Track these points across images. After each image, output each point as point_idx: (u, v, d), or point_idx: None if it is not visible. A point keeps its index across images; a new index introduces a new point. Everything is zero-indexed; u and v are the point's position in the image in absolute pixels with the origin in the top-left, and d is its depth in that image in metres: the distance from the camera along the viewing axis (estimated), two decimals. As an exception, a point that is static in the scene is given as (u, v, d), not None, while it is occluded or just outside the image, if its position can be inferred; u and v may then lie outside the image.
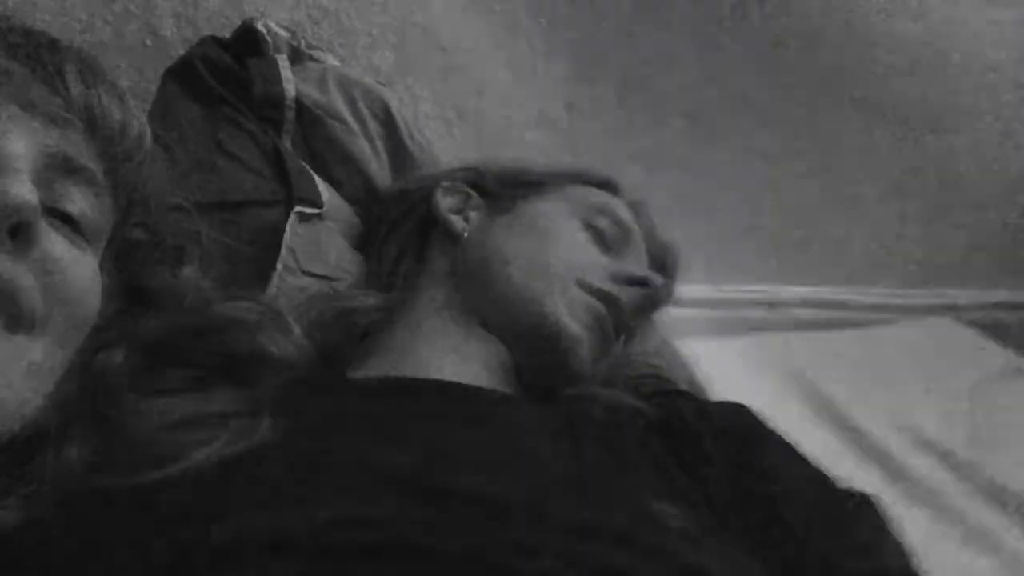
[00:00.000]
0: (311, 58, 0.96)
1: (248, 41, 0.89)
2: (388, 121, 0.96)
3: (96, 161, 0.51)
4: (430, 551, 0.47)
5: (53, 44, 0.51)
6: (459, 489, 0.52)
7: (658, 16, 1.22)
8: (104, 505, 0.49)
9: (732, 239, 1.38)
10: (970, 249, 1.53)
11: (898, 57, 1.35)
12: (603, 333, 0.77)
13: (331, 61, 1.00)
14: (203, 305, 0.59)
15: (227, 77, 0.86)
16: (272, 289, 0.74)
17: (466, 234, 0.81)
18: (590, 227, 0.81)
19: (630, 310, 0.80)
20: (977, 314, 1.43)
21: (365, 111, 0.94)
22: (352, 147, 0.91)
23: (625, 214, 0.85)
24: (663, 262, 0.89)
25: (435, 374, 0.70)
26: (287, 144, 0.87)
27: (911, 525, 0.73)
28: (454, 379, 0.70)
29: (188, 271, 0.60)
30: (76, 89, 0.51)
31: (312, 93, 0.90)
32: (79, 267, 0.49)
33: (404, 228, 0.84)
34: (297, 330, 0.63)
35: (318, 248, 0.80)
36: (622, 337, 0.82)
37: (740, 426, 0.73)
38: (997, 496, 0.98)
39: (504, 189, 0.85)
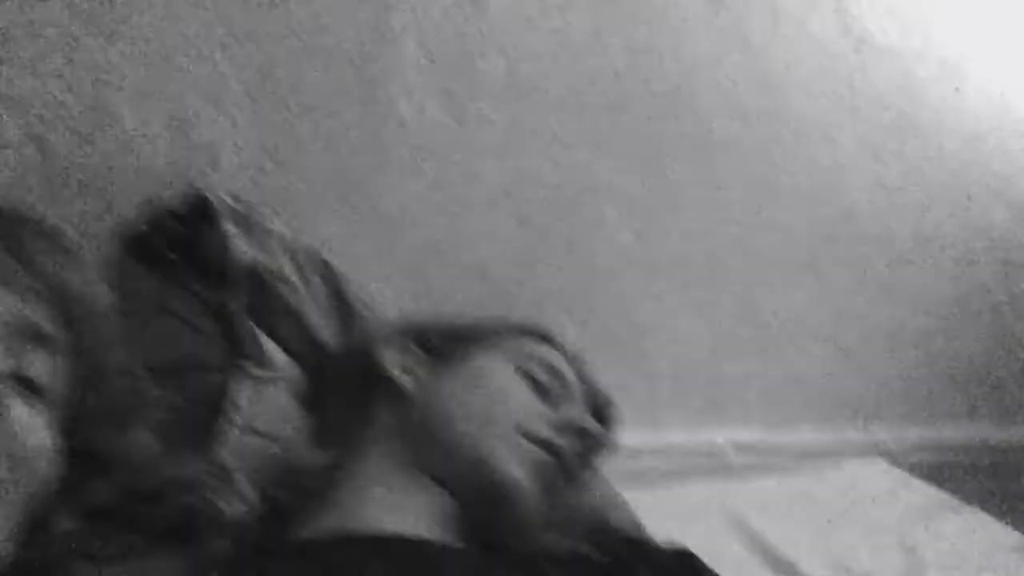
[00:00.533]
0: (258, 223, 1.00)
1: (199, 209, 0.93)
2: (332, 282, 0.99)
3: (59, 329, 0.53)
4: None
5: (19, 217, 0.54)
6: None
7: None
8: None
9: (667, 385, 1.42)
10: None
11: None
12: (548, 483, 0.79)
13: (277, 225, 1.03)
14: (153, 467, 0.60)
15: (178, 245, 0.89)
16: (221, 449, 0.74)
17: (410, 392, 0.83)
18: (529, 378, 0.84)
19: (573, 459, 0.82)
20: (904, 454, 1.48)
21: (310, 272, 0.98)
22: (298, 307, 0.94)
23: (561, 363, 0.88)
24: (601, 411, 0.92)
25: (382, 529, 0.71)
26: (236, 306, 0.89)
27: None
28: (401, 533, 0.70)
29: (138, 434, 0.61)
30: (40, 260, 0.53)
31: (260, 257, 0.93)
32: (38, 433, 0.50)
33: (351, 386, 0.85)
34: (246, 489, 0.63)
35: (266, 408, 0.81)
36: (567, 487, 0.83)
37: (686, 571, 0.74)
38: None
39: (446, 343, 0.87)
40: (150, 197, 0.96)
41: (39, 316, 0.52)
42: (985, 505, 1.26)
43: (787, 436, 1.48)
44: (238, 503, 0.62)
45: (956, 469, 1.48)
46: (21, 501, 0.49)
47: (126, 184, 0.98)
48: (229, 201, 0.96)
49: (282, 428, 0.82)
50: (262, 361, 0.83)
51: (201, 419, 0.75)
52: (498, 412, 0.79)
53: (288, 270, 0.95)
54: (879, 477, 1.36)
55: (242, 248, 0.91)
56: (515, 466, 0.76)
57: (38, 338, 0.52)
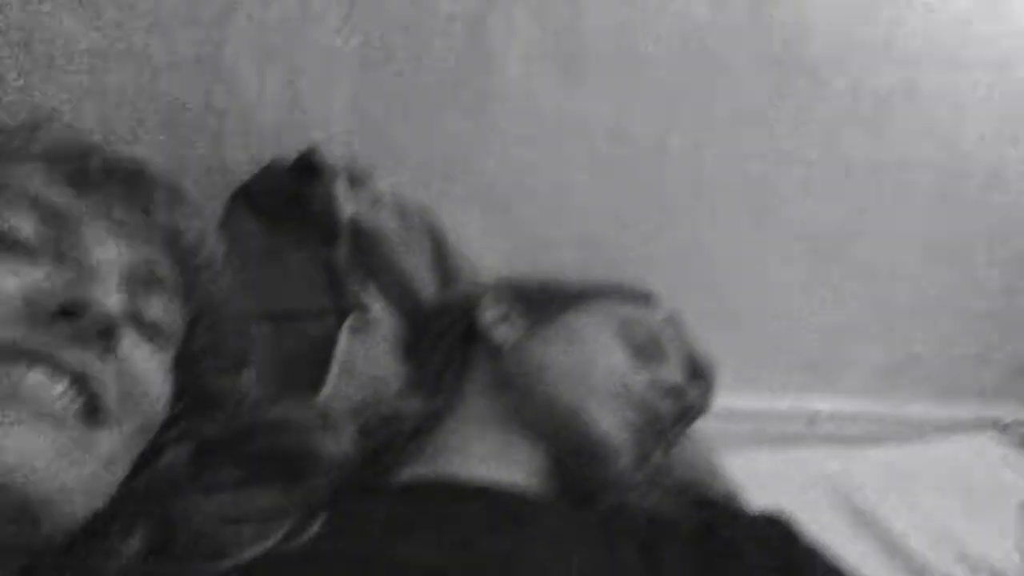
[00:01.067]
0: (365, 180, 1.02)
1: (308, 165, 0.96)
2: (436, 239, 1.01)
3: (174, 273, 0.57)
4: None
5: (142, 169, 0.58)
6: None
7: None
8: None
9: (767, 352, 1.39)
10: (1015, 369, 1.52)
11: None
12: (642, 443, 0.79)
13: (382, 183, 1.06)
14: (260, 408, 0.63)
15: (287, 198, 0.92)
16: (324, 395, 0.78)
17: (508, 346, 0.84)
18: (627, 339, 0.84)
19: (668, 421, 0.82)
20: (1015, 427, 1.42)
21: (414, 229, 1.00)
22: (401, 262, 0.96)
23: (660, 326, 0.87)
24: (700, 373, 0.91)
25: (476, 478, 0.73)
26: (341, 258, 0.92)
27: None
28: (495, 483, 0.72)
29: (247, 376, 0.64)
30: (161, 209, 0.56)
31: (365, 213, 0.96)
32: (154, 371, 0.53)
33: (449, 339, 0.87)
34: (347, 433, 0.66)
35: (368, 356, 0.84)
36: (660, 447, 0.83)
37: (780, 537, 0.73)
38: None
39: (544, 302, 0.88)
40: (262, 152, 1.00)
41: (158, 263, 0.56)
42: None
43: (894, 408, 1.43)
44: (339, 446, 0.64)
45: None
46: (137, 435, 0.52)
47: (240, 140, 1.02)
48: (338, 158, 0.98)
49: (382, 376, 0.84)
50: (365, 312, 0.86)
51: (306, 364, 0.78)
52: (596, 372, 0.80)
53: (392, 226, 0.98)
54: (987, 452, 1.30)
55: (348, 203, 0.94)
56: (611, 425, 0.77)
57: (156, 283, 0.55)
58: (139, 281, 0.54)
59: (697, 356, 0.92)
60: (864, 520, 1.08)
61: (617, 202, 1.27)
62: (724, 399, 0.96)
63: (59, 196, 0.52)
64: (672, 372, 0.85)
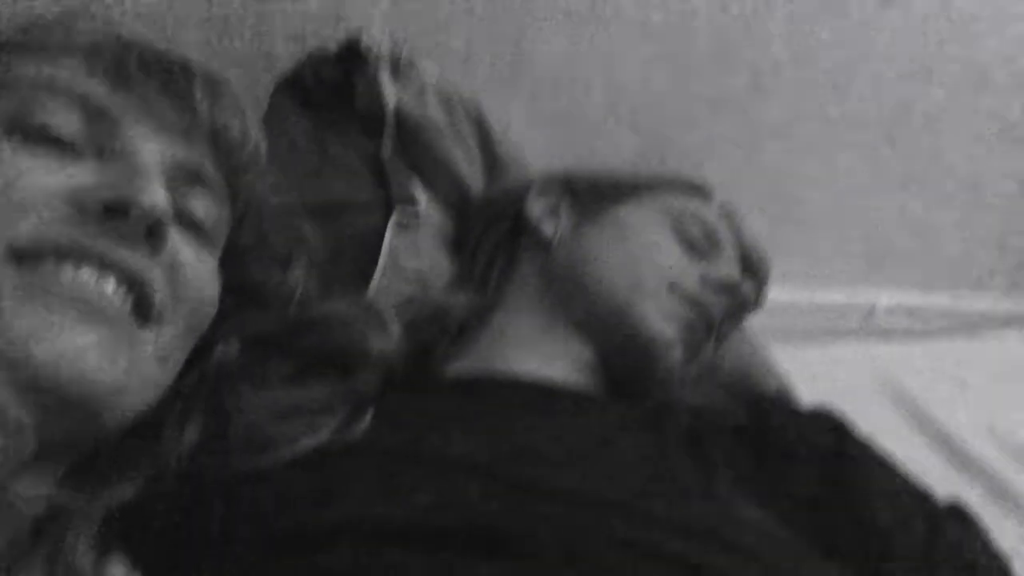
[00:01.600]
0: (411, 69, 1.00)
1: (352, 54, 0.93)
2: (482, 129, 0.99)
3: (218, 170, 0.56)
4: (519, 540, 0.49)
5: (184, 63, 0.56)
6: (541, 482, 0.54)
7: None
8: (216, 488, 0.53)
9: (824, 244, 1.36)
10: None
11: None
12: (693, 339, 0.78)
13: (430, 71, 1.03)
14: (308, 303, 0.63)
15: (332, 89, 0.91)
16: (372, 289, 0.78)
17: (557, 239, 0.83)
18: (680, 233, 0.82)
19: (720, 316, 0.80)
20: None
21: (461, 119, 0.98)
22: (447, 154, 0.94)
23: (715, 219, 0.85)
24: (754, 268, 0.89)
25: (524, 373, 0.73)
26: (387, 151, 0.91)
27: (1008, 538, 0.71)
28: (542, 378, 0.72)
29: (296, 272, 0.64)
30: (203, 105, 0.55)
31: (411, 103, 0.94)
32: (202, 268, 0.54)
33: (496, 232, 0.86)
34: (395, 328, 0.66)
35: (416, 250, 0.84)
36: (712, 342, 0.82)
37: (830, 433, 0.72)
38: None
39: (594, 195, 0.86)
40: (305, 43, 0.97)
41: (201, 159, 0.55)
42: None
43: (950, 301, 1.39)
44: (386, 341, 0.64)
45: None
46: (187, 332, 0.53)
47: (282, 31, 0.99)
48: (384, 47, 0.96)
49: (429, 271, 0.84)
50: (412, 205, 0.85)
51: (353, 259, 0.78)
52: (646, 266, 0.78)
53: (439, 117, 0.96)
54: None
55: (393, 93, 0.92)
56: (660, 320, 0.76)
57: (200, 179, 0.55)
58: (183, 179, 0.53)
59: (751, 250, 0.89)
60: (916, 414, 1.06)
61: (671, 89, 1.22)
62: (778, 293, 0.94)
63: (100, 92, 0.51)
64: (725, 267, 0.83)
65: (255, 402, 0.56)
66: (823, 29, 1.22)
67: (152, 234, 0.48)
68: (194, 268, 0.52)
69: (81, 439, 0.47)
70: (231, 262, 0.59)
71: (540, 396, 0.70)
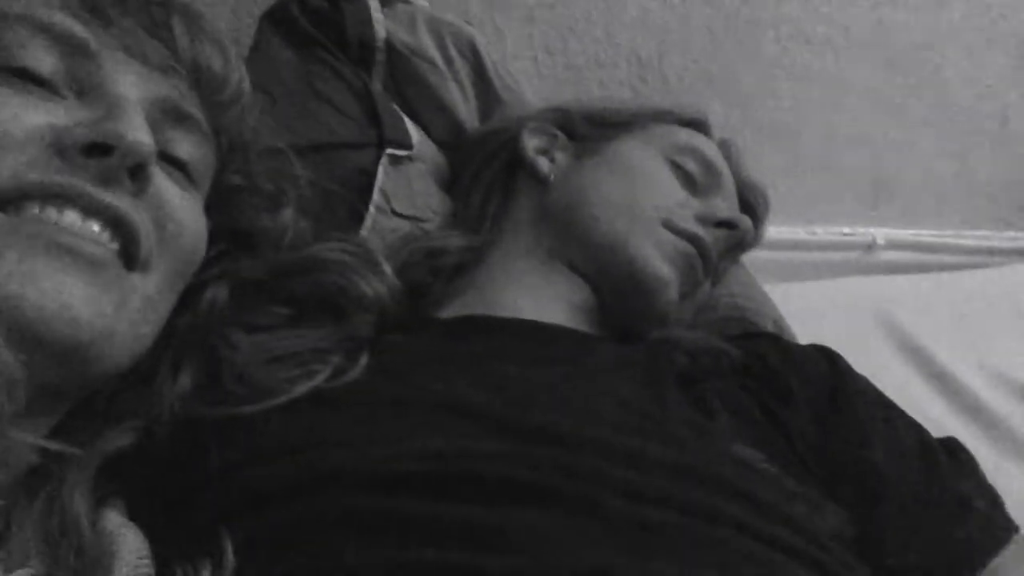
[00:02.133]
0: (402, 0, 0.97)
1: (340, -17, 0.90)
2: (476, 62, 0.96)
3: (200, 109, 0.54)
4: (515, 486, 0.49)
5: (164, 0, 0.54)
6: (538, 427, 0.54)
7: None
8: (210, 432, 0.53)
9: (822, 178, 1.34)
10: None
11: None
12: (690, 275, 0.77)
13: (421, 2, 1.00)
14: (300, 246, 0.62)
15: (320, 20, 0.87)
16: (364, 230, 0.76)
17: (552, 176, 0.81)
18: (678, 168, 0.80)
19: (717, 252, 0.79)
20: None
21: (454, 52, 0.95)
22: (441, 89, 0.92)
23: (714, 154, 0.84)
24: (752, 203, 0.88)
25: (519, 314, 0.72)
26: (378, 86, 0.88)
27: (1002, 475, 0.72)
28: (537, 319, 0.71)
29: (285, 214, 0.63)
30: (182, 41, 0.53)
31: (402, 34, 0.91)
32: (188, 209, 0.52)
33: (491, 169, 0.85)
34: (388, 270, 0.65)
35: (408, 189, 0.82)
36: (708, 279, 0.81)
37: (826, 370, 0.72)
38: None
39: (591, 129, 0.84)
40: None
41: (183, 95, 0.53)
42: None
43: (946, 236, 1.39)
44: (380, 283, 0.64)
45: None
46: (176, 275, 0.52)
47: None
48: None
49: (422, 210, 0.83)
50: (403, 142, 0.83)
51: (345, 199, 0.76)
52: (643, 201, 0.77)
53: (431, 49, 0.93)
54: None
55: (384, 25, 0.89)
56: (657, 257, 0.75)
57: (183, 117, 0.53)
58: (165, 117, 0.52)
59: (750, 185, 0.88)
60: (912, 348, 1.06)
61: (670, 16, 1.19)
62: (777, 228, 0.93)
63: (77, 28, 0.49)
64: (724, 202, 0.82)
65: (248, 347, 0.56)
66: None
67: (136, 174, 0.47)
68: (180, 209, 0.51)
69: (74, 388, 0.47)
70: (218, 204, 0.58)
71: (536, 338, 0.69)
